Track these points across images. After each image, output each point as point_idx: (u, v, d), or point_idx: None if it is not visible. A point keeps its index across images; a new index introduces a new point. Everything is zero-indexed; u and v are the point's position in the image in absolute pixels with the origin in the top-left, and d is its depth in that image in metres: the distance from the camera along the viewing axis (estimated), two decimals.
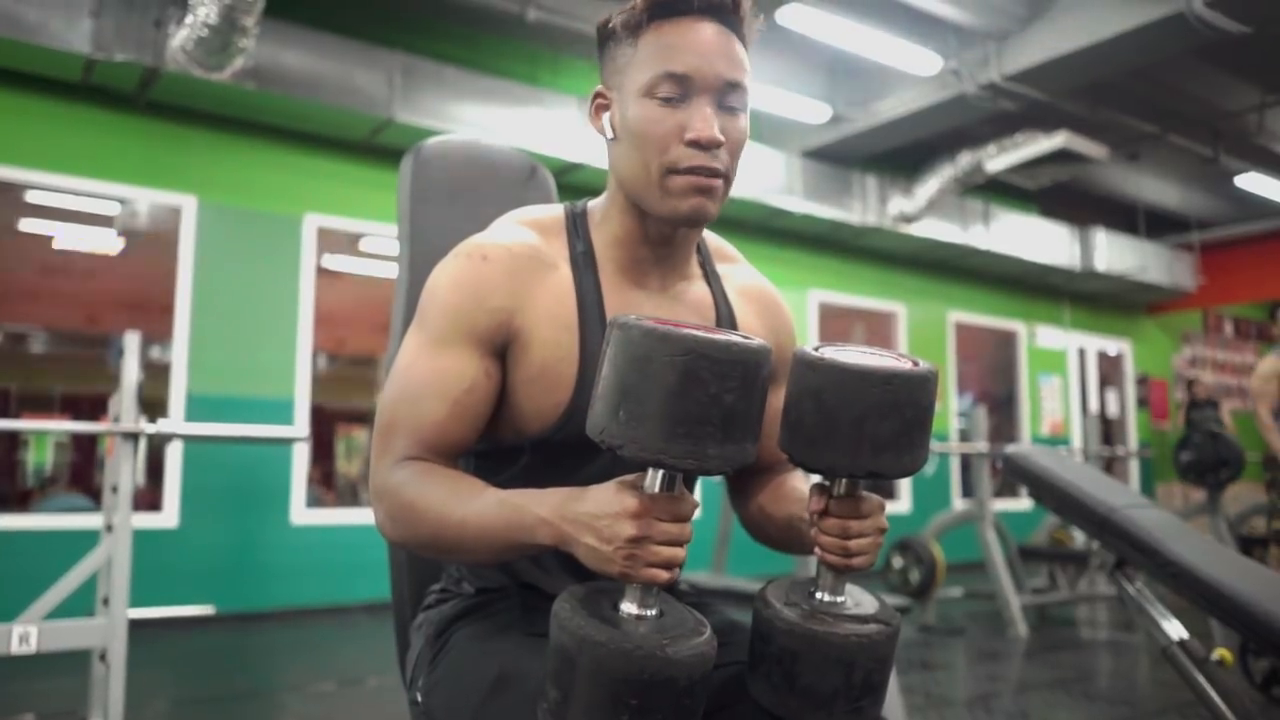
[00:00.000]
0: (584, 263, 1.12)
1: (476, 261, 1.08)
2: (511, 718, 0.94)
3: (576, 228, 1.15)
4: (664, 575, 0.83)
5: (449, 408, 1.04)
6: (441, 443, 1.05)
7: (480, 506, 0.96)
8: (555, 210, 1.18)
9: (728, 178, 1.04)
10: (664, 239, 1.12)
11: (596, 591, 0.89)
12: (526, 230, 1.13)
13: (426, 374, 1.05)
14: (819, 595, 0.96)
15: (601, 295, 1.11)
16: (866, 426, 0.85)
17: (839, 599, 0.95)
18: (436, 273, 1.10)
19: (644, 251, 1.12)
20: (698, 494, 1.29)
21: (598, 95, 1.09)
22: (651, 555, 0.83)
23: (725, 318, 1.18)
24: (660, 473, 0.84)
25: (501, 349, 1.07)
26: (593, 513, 0.85)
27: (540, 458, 1.12)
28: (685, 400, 0.78)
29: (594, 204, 1.17)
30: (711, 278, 1.20)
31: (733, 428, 0.80)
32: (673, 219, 1.05)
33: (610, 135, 1.08)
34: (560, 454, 1.10)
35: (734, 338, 0.81)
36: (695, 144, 1.00)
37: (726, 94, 1.02)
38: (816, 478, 0.96)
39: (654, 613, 0.86)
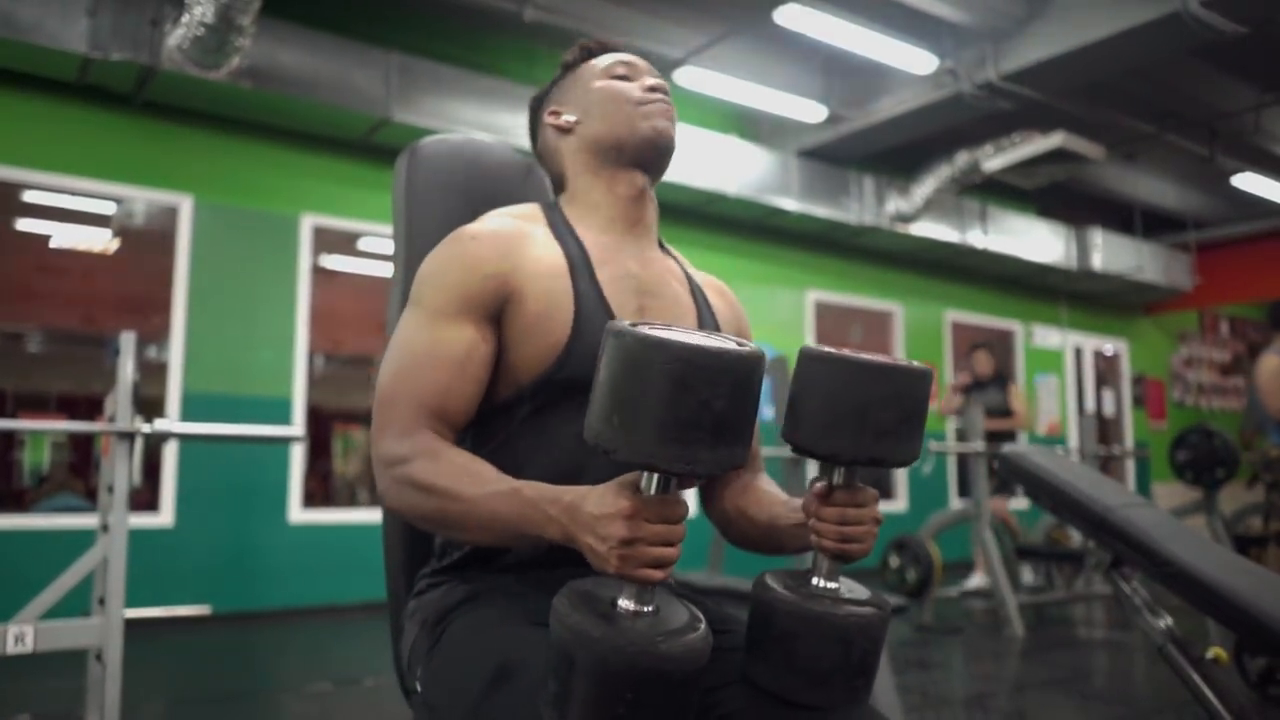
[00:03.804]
0: (565, 229, 1.24)
1: (465, 241, 1.18)
2: (513, 710, 0.94)
3: (553, 210, 1.29)
4: (656, 574, 0.86)
5: (450, 374, 1.11)
6: (444, 409, 1.10)
7: (492, 492, 0.99)
8: (531, 205, 1.31)
9: (674, 121, 1.28)
10: (633, 197, 1.27)
11: (596, 587, 0.91)
12: (506, 217, 1.25)
13: (426, 345, 1.12)
14: (816, 581, 1.00)
15: (585, 249, 1.22)
16: (870, 415, 0.92)
17: (835, 585, 1.00)
18: (427, 260, 1.19)
19: (616, 211, 1.27)
20: (692, 495, 1.32)
21: (551, 112, 1.32)
22: (643, 555, 0.86)
23: (699, 294, 1.31)
24: (654, 476, 0.86)
25: (497, 313, 1.15)
26: (592, 513, 0.89)
27: (540, 403, 1.16)
28: (677, 406, 0.80)
29: (563, 197, 1.32)
30: (673, 259, 1.35)
31: (724, 432, 0.82)
32: (649, 136, 1.25)
33: (574, 119, 1.29)
34: (560, 397, 1.15)
35: (728, 345, 0.83)
36: (652, 89, 1.28)
37: (656, 79, 1.31)
38: (812, 471, 1.01)
39: (650, 609, 0.87)
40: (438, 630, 1.13)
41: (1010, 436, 6.63)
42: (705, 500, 1.32)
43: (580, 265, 1.19)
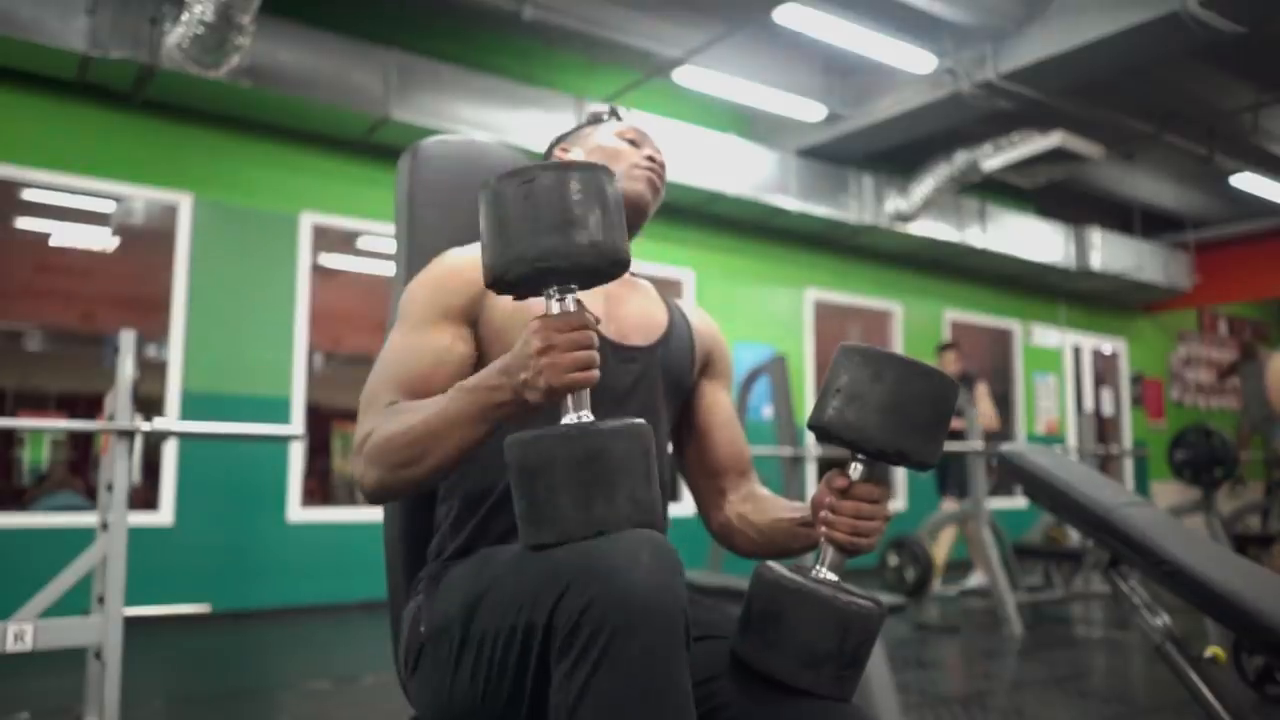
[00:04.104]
0: None
1: (446, 263, 1.28)
2: (498, 615, 1.00)
3: None
4: (581, 377, 0.97)
5: (431, 361, 1.19)
6: (426, 390, 1.15)
7: (443, 404, 1.07)
8: None
9: (660, 196, 1.39)
10: None
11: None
12: None
13: (405, 345, 1.21)
14: (820, 571, 1.04)
15: None
16: (906, 409, 0.97)
17: (836, 579, 1.04)
18: (411, 284, 1.28)
19: None
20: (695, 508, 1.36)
21: (561, 148, 1.44)
22: (563, 360, 0.97)
23: (673, 309, 1.42)
24: (552, 297, 1.00)
25: (474, 319, 1.23)
26: (515, 353, 1.00)
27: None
28: (537, 217, 0.94)
29: None
30: (653, 289, 1.46)
31: (580, 228, 0.94)
32: (634, 197, 1.34)
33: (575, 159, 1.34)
34: None
35: (575, 163, 0.99)
36: (651, 159, 1.38)
37: (659, 154, 1.42)
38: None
39: (589, 416, 0.98)
40: (435, 584, 1.19)
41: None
42: (704, 513, 1.40)
43: None
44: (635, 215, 1.36)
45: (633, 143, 1.41)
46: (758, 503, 1.33)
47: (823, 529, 1.06)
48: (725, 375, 1.45)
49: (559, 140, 1.47)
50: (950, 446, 5.83)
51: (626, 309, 1.34)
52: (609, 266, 0.97)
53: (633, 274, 1.42)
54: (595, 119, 1.47)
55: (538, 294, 1.01)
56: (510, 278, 0.97)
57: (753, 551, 1.31)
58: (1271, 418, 9.16)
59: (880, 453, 0.99)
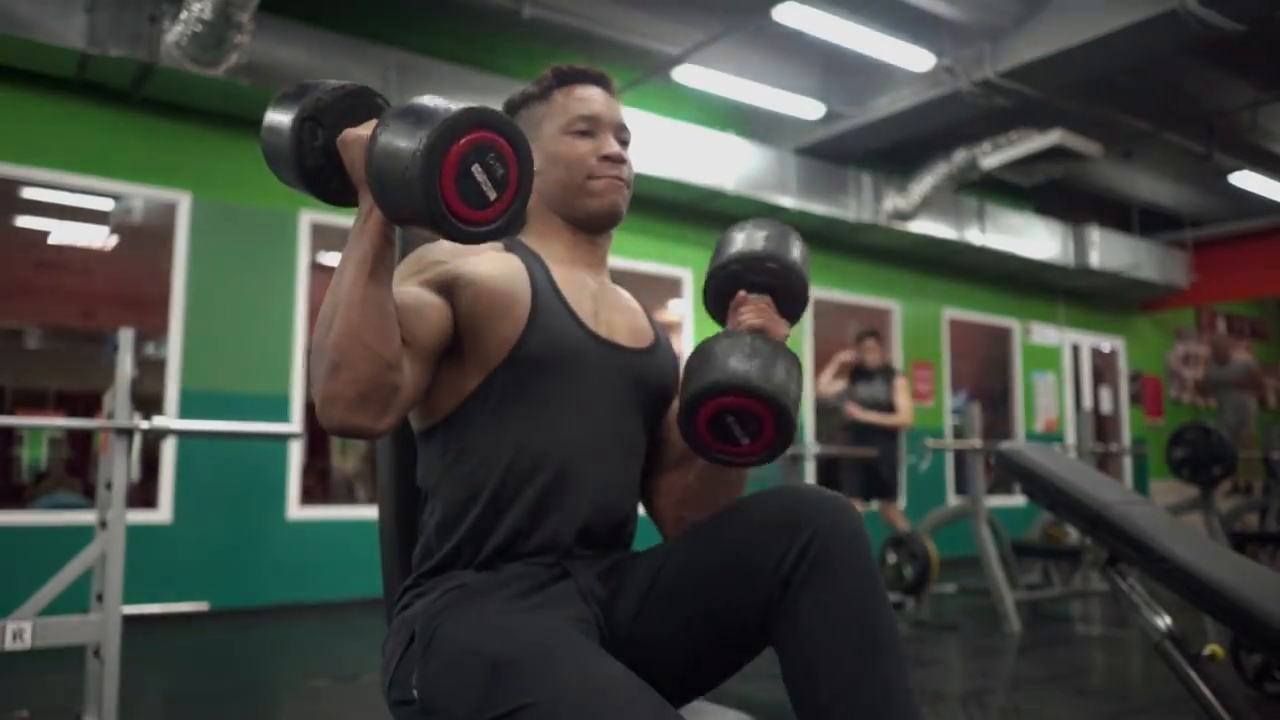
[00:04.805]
0: (522, 248, 1.34)
1: (414, 253, 1.29)
2: (517, 698, 0.99)
3: (514, 242, 1.37)
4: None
5: (403, 301, 1.16)
6: (404, 322, 1.15)
7: (340, 262, 1.11)
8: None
9: (629, 186, 1.35)
10: (589, 238, 1.37)
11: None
12: None
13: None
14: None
15: (542, 260, 1.32)
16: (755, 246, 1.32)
17: None
18: None
19: (575, 248, 1.36)
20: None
21: None
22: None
23: (652, 319, 1.42)
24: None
25: (449, 292, 1.22)
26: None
27: (509, 382, 1.22)
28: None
29: (523, 234, 1.40)
30: (633, 298, 1.46)
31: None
32: (597, 214, 1.33)
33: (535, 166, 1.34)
34: (528, 375, 1.22)
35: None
36: (608, 159, 1.33)
37: (620, 131, 1.37)
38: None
39: None
40: (426, 637, 1.14)
41: (889, 436, 6.03)
42: (652, 513, 1.41)
43: (536, 266, 1.30)
44: (608, 225, 1.36)
45: (586, 133, 1.34)
46: (691, 477, 1.38)
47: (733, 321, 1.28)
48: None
49: (513, 109, 1.42)
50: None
51: (615, 313, 1.35)
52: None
53: (616, 283, 1.43)
54: (536, 96, 1.39)
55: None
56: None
57: (688, 510, 1.36)
58: (1246, 422, 9.16)
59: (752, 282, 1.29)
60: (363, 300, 1.05)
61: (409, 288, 1.20)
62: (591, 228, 1.36)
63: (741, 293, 1.29)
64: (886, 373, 6.19)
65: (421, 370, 1.16)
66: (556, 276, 1.30)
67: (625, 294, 1.43)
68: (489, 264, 1.26)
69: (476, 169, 1.00)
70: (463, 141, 0.99)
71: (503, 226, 1.04)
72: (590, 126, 1.34)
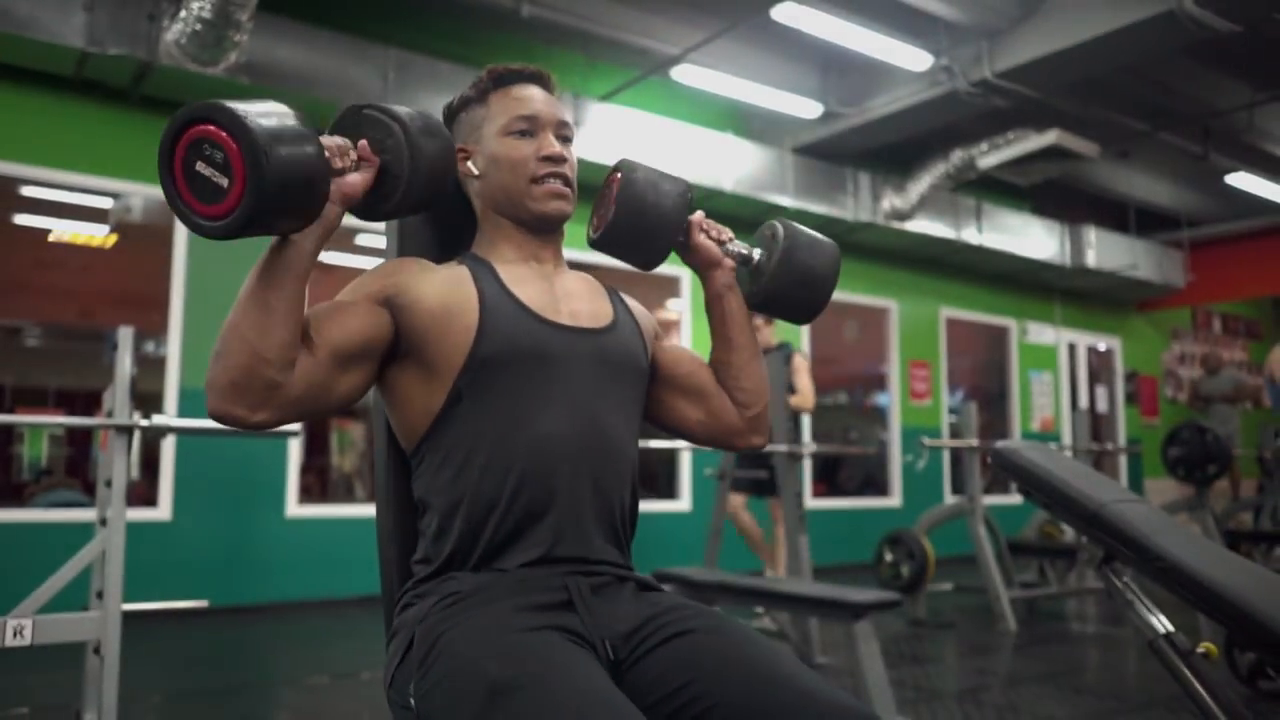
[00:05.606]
0: (473, 259, 1.35)
1: (384, 263, 1.33)
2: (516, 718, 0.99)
3: (464, 254, 1.38)
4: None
5: (323, 306, 1.21)
6: (314, 315, 1.18)
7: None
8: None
9: (572, 185, 1.36)
10: (539, 235, 1.38)
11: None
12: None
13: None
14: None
15: (492, 266, 1.33)
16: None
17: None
18: None
19: (524, 247, 1.37)
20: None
21: (460, 149, 1.36)
22: None
23: (615, 299, 1.43)
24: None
25: (391, 305, 1.24)
26: None
27: (474, 388, 1.23)
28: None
29: (476, 237, 1.41)
30: (597, 281, 1.46)
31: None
32: (542, 217, 1.34)
33: (477, 173, 1.36)
34: (491, 377, 1.23)
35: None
36: (548, 159, 1.33)
37: (560, 129, 1.36)
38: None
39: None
40: (425, 646, 1.14)
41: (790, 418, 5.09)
42: (730, 438, 1.48)
43: (483, 271, 1.31)
44: (554, 226, 1.38)
45: (525, 133, 1.34)
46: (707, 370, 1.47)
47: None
48: (665, 334, 1.51)
49: (454, 116, 1.41)
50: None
51: (576, 300, 1.36)
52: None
53: (578, 266, 1.45)
54: (481, 93, 1.38)
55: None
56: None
57: (751, 387, 1.45)
58: (1232, 435, 9.19)
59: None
60: (247, 297, 1.11)
61: (343, 296, 1.25)
62: (538, 229, 1.37)
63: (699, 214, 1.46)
64: (784, 350, 5.29)
65: (325, 372, 1.16)
66: (506, 277, 1.31)
67: (585, 277, 1.43)
68: (437, 281, 1.27)
69: (200, 165, 1.04)
70: (181, 144, 1.05)
71: (257, 207, 1.01)
72: (530, 126, 1.34)
